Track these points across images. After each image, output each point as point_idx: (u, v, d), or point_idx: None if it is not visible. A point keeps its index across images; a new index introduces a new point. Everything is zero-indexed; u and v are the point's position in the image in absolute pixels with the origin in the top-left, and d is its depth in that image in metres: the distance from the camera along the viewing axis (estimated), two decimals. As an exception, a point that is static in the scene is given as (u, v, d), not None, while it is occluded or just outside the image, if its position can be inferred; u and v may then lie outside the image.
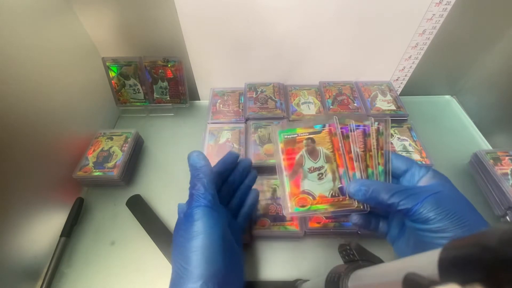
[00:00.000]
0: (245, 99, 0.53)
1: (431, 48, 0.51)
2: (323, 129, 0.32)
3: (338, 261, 0.24)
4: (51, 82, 0.40)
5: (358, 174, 0.30)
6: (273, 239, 0.40)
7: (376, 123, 0.31)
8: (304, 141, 0.32)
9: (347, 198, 0.29)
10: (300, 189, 0.30)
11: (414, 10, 0.45)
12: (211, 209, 0.28)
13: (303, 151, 0.31)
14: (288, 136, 0.32)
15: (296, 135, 0.32)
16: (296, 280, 0.33)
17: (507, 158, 0.44)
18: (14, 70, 0.34)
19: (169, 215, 0.42)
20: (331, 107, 0.52)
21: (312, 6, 0.44)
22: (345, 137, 0.31)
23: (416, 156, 0.45)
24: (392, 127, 0.49)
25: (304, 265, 0.38)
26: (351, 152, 0.30)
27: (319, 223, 0.39)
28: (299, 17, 0.46)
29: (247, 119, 0.51)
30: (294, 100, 0.54)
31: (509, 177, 0.41)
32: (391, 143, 0.47)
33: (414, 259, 0.15)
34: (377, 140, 0.31)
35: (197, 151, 0.31)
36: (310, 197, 0.30)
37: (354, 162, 0.30)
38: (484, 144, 0.53)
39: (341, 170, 0.30)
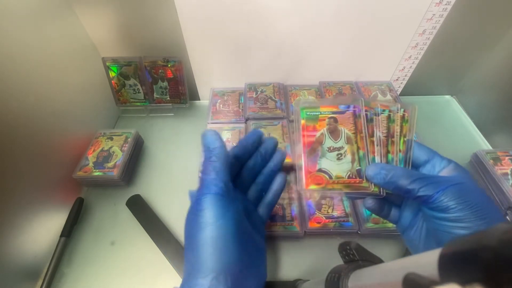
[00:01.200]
0: (245, 99, 0.53)
1: (431, 48, 0.51)
2: (347, 110, 0.31)
3: (338, 261, 0.24)
4: (51, 82, 0.40)
5: (377, 159, 0.29)
6: (273, 239, 0.40)
7: (402, 109, 0.31)
8: (327, 120, 0.31)
9: (364, 181, 0.29)
10: (317, 167, 0.30)
11: (414, 10, 0.45)
12: (221, 196, 0.25)
13: (324, 130, 0.31)
14: (311, 113, 0.32)
15: (319, 113, 0.31)
16: (296, 280, 0.33)
17: (507, 158, 0.44)
18: (14, 70, 0.34)
19: (169, 215, 0.42)
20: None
21: (312, 6, 0.44)
22: (369, 120, 0.30)
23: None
24: (392, 127, 0.49)
25: (304, 265, 0.38)
26: (373, 136, 0.30)
27: (319, 223, 0.39)
28: (299, 17, 0.46)
29: (247, 119, 0.51)
30: (294, 100, 0.54)
31: (509, 177, 0.41)
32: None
33: (414, 259, 0.15)
34: (401, 127, 0.31)
35: (212, 130, 0.28)
36: (327, 176, 0.30)
37: (375, 146, 0.30)
38: (484, 144, 0.53)
39: (361, 153, 0.30)
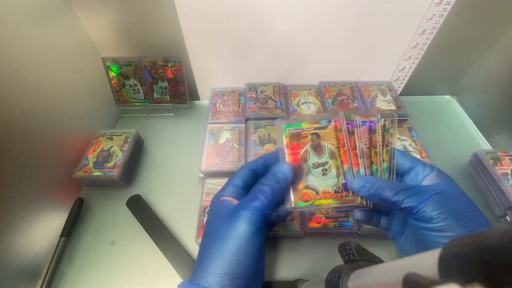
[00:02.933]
0: (245, 99, 0.53)
1: (431, 48, 0.51)
2: (329, 125, 0.31)
3: (338, 261, 0.24)
4: (51, 82, 0.40)
5: (362, 171, 0.30)
6: (273, 239, 0.40)
7: (383, 119, 0.31)
8: (309, 136, 0.31)
9: (351, 194, 0.29)
10: (303, 184, 0.30)
11: (414, 10, 0.45)
12: (261, 219, 0.27)
13: (307, 146, 0.31)
14: (294, 131, 0.32)
15: (301, 130, 0.32)
16: (296, 280, 0.33)
17: (507, 158, 0.44)
18: (14, 70, 0.34)
19: (169, 215, 0.42)
20: (331, 107, 0.52)
21: (312, 6, 0.44)
22: (351, 133, 0.31)
23: (416, 156, 0.45)
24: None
25: (304, 265, 0.38)
26: (356, 148, 0.30)
27: (319, 223, 0.39)
28: (299, 17, 0.46)
29: (247, 119, 0.51)
30: (294, 100, 0.54)
31: (509, 177, 0.41)
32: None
33: (414, 259, 0.15)
34: (383, 136, 0.31)
35: (291, 164, 0.30)
36: (314, 192, 0.30)
37: (359, 158, 0.30)
38: (484, 144, 0.53)
39: (345, 166, 0.30)
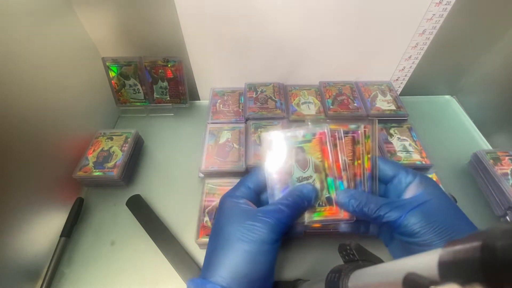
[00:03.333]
0: (245, 99, 0.53)
1: (431, 48, 0.51)
2: (314, 138, 0.31)
3: (338, 261, 0.24)
4: (51, 82, 0.40)
5: (345, 184, 0.30)
6: (273, 239, 0.40)
7: (363, 126, 0.31)
8: (294, 150, 0.31)
9: (334, 207, 0.30)
10: None
11: (414, 10, 0.45)
12: (282, 229, 0.27)
13: (292, 160, 0.31)
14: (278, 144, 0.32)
15: (287, 144, 0.32)
16: (296, 280, 0.33)
17: (507, 158, 0.44)
18: (14, 70, 0.34)
19: (169, 215, 0.42)
20: (331, 107, 0.52)
21: (312, 6, 0.44)
22: (335, 145, 0.31)
23: (416, 156, 0.45)
24: (392, 127, 0.49)
25: (304, 265, 0.38)
26: (339, 160, 0.30)
27: (319, 223, 0.39)
28: (299, 17, 0.46)
29: (247, 119, 0.51)
30: (294, 100, 0.54)
31: (509, 177, 0.41)
32: (391, 144, 0.47)
33: (414, 259, 0.15)
34: (364, 144, 0.31)
35: (316, 188, 0.30)
36: None
37: (342, 171, 0.30)
38: (484, 144, 0.53)
39: (330, 180, 0.30)
